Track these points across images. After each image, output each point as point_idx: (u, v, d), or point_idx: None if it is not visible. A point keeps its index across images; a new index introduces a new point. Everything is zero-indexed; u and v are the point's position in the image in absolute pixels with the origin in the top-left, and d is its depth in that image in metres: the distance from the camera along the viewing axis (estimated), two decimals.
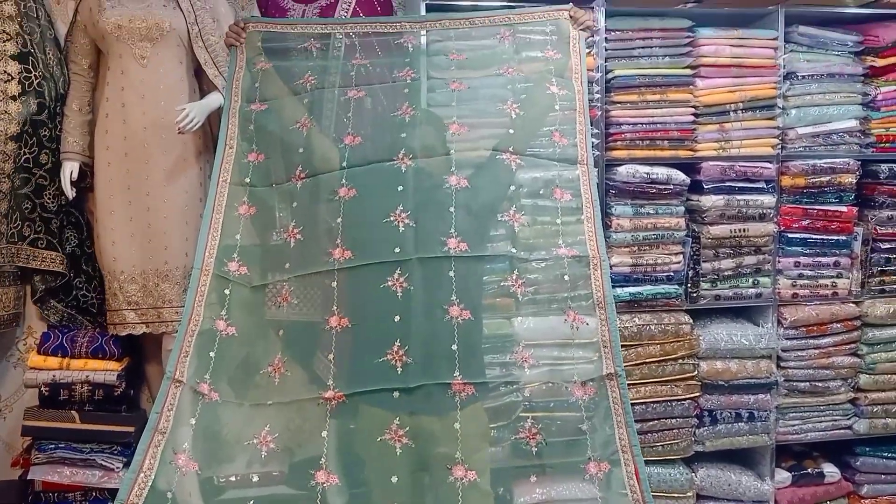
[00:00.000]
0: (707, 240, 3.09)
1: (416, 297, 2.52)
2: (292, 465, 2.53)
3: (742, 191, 3.11)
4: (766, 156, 3.16)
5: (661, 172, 3.03)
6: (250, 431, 2.49)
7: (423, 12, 3.02)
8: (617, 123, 3.07)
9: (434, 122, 2.80)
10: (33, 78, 2.96)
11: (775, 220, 3.16)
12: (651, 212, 3.04)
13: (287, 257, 2.70)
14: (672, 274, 3.07)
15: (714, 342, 3.07)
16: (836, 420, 3.23)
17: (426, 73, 2.91)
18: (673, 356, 3.02)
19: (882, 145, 3.26)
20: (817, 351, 3.17)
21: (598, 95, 3.03)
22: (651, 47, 3.09)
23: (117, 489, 2.39)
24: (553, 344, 2.66)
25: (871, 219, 3.24)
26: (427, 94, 2.89)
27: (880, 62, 3.25)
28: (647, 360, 3.00)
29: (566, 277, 2.65)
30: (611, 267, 2.85)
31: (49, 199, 2.98)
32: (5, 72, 2.93)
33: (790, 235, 3.18)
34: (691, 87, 3.12)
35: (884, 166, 3.23)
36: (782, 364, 3.16)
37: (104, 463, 2.72)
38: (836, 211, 3.19)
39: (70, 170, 2.95)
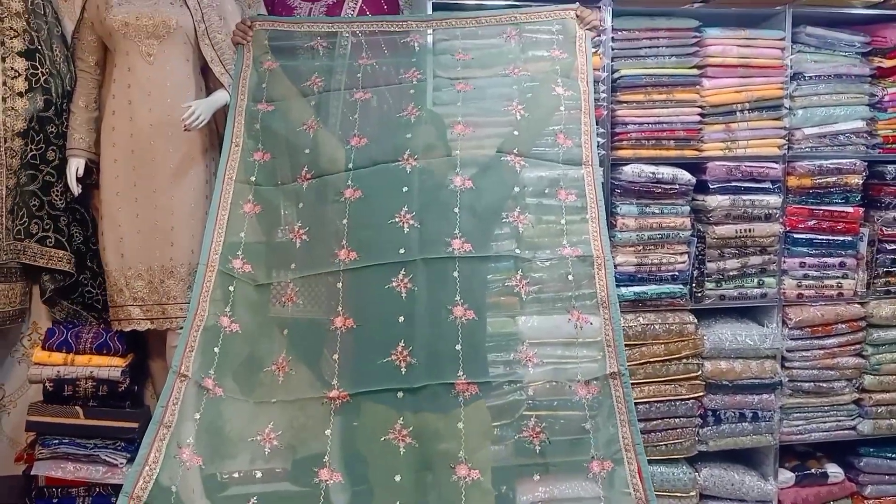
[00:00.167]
0: (712, 240, 3.09)
1: (421, 298, 2.53)
2: (295, 463, 2.54)
3: (748, 191, 3.11)
4: (772, 156, 3.15)
5: (666, 172, 3.02)
6: (254, 428, 2.50)
7: (429, 11, 3.03)
8: (623, 123, 3.07)
9: (435, 121, 2.80)
10: (40, 74, 2.97)
11: (781, 220, 3.15)
12: (656, 211, 3.04)
13: (293, 257, 2.71)
14: (677, 274, 3.07)
15: (718, 342, 3.06)
16: (840, 420, 3.22)
17: (432, 72, 2.91)
18: (677, 356, 3.02)
19: (889, 146, 3.25)
20: (822, 351, 3.17)
21: (604, 95, 3.03)
22: (658, 47, 3.08)
23: (121, 485, 2.40)
24: (557, 343, 2.66)
25: (878, 220, 3.23)
26: (433, 94, 2.89)
27: (887, 63, 3.24)
28: (652, 360, 3.00)
29: (570, 277, 2.66)
30: (616, 266, 2.85)
31: (57, 196, 2.99)
32: (12, 68, 2.94)
33: (796, 236, 3.17)
34: (698, 87, 3.12)
35: (890, 167, 3.22)
36: (787, 364, 3.16)
37: (108, 458, 2.73)
38: (843, 212, 3.18)
39: (76, 166, 2.96)
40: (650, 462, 2.50)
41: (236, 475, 2.51)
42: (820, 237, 3.18)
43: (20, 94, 2.94)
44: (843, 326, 3.17)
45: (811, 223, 3.17)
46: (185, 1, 2.96)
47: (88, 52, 3.01)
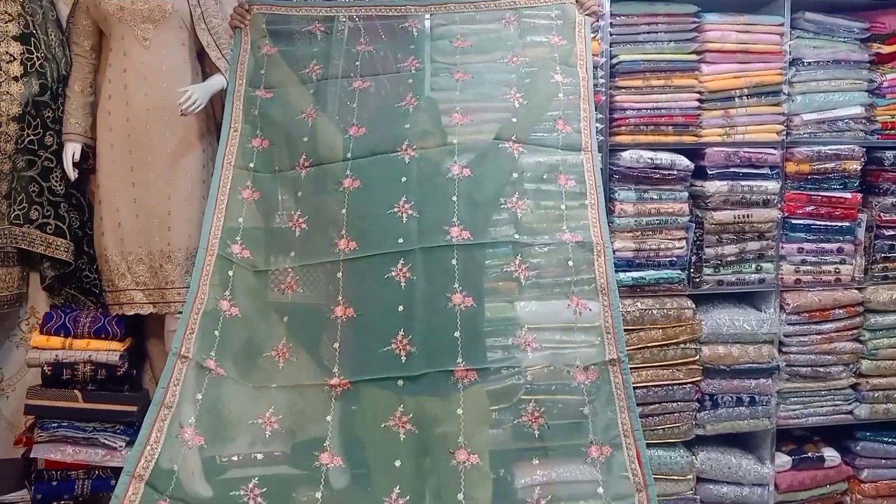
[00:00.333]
0: (710, 225, 3.09)
1: (420, 287, 2.55)
2: (295, 446, 2.55)
3: (746, 177, 3.11)
4: (770, 142, 3.15)
5: (665, 158, 3.02)
6: (255, 411, 2.51)
7: None
8: (621, 109, 3.06)
9: (431, 107, 2.80)
10: (35, 59, 2.95)
11: (779, 206, 3.15)
12: (654, 197, 3.04)
13: (292, 246, 2.72)
14: (675, 259, 3.07)
15: (716, 327, 3.07)
16: (837, 405, 3.24)
17: (430, 58, 2.90)
18: (675, 340, 3.03)
19: (887, 132, 3.25)
20: (819, 336, 3.18)
21: (602, 81, 3.02)
22: (656, 32, 3.08)
23: (120, 467, 2.40)
24: (556, 328, 2.66)
25: (875, 205, 3.24)
26: (430, 79, 2.88)
27: (886, 49, 3.24)
28: (650, 345, 3.01)
29: (570, 263, 2.66)
30: (614, 252, 2.85)
31: (56, 181, 2.98)
32: (7, 52, 2.92)
33: (794, 221, 3.18)
34: (696, 72, 3.11)
35: (889, 153, 3.22)
36: (784, 349, 3.17)
37: (107, 442, 2.73)
38: (841, 197, 3.19)
39: (72, 151, 2.94)
40: (647, 446, 2.50)
41: (235, 458, 2.52)
42: (818, 223, 3.19)
43: (15, 79, 2.93)
44: (841, 312, 3.18)
45: (809, 209, 3.18)
46: None
47: (84, 36, 2.99)
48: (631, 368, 2.61)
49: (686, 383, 3.04)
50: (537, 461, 2.51)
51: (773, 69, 3.15)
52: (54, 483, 2.73)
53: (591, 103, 2.79)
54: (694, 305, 3.08)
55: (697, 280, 3.13)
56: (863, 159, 3.20)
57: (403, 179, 2.68)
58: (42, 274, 3.03)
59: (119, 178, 2.91)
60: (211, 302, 2.58)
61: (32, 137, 2.94)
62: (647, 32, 3.08)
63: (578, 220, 2.72)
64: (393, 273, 2.57)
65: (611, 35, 3.05)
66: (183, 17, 2.93)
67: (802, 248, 3.19)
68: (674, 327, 3.03)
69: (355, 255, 2.64)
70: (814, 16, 3.17)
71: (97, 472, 2.75)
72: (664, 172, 3.02)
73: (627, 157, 3.01)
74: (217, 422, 2.47)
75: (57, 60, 3.01)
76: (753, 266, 3.17)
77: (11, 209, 2.92)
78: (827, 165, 3.17)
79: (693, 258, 3.12)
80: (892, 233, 3.25)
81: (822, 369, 3.19)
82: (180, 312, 2.79)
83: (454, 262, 2.58)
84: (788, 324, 3.16)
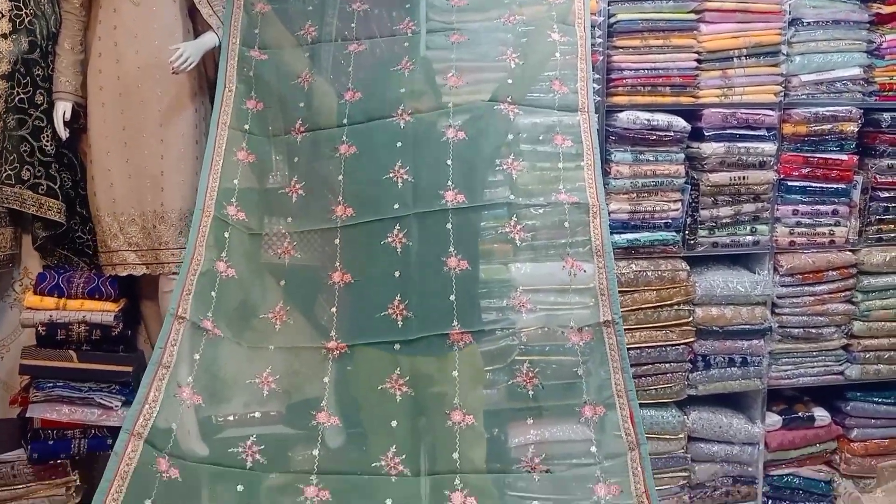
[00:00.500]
0: (706, 187, 3.08)
1: (416, 252, 2.57)
2: (290, 406, 2.58)
3: (743, 138, 3.09)
4: (768, 103, 3.13)
5: (661, 119, 3.00)
6: (251, 371, 2.54)
7: None
8: (618, 69, 3.03)
9: (425, 66, 2.78)
10: (24, 16, 2.89)
11: (775, 167, 3.14)
12: (651, 159, 3.02)
13: (288, 211, 2.73)
14: (670, 221, 3.07)
15: (710, 288, 3.08)
16: (828, 366, 3.26)
17: (426, 17, 2.86)
18: (669, 302, 3.04)
19: (885, 93, 3.23)
20: (812, 298, 3.19)
21: (599, 40, 2.98)
22: None
23: (117, 427, 2.43)
24: (550, 289, 2.68)
25: (871, 167, 3.22)
26: (426, 37, 2.85)
27: (886, 9, 3.21)
28: (643, 306, 3.02)
29: (565, 224, 2.67)
30: (609, 213, 2.84)
31: (46, 141, 2.95)
32: None
33: (790, 183, 3.17)
34: (695, 32, 3.07)
35: (886, 115, 3.20)
36: (777, 311, 3.18)
37: (103, 402, 2.74)
38: (837, 159, 3.18)
39: (63, 110, 2.90)
40: (640, 406, 2.54)
41: (231, 418, 2.54)
42: (813, 185, 3.18)
43: (4, 36, 2.87)
44: (834, 273, 3.19)
45: (805, 171, 3.17)
46: None
47: None
48: (625, 330, 2.62)
49: (679, 344, 3.06)
50: (531, 421, 2.55)
51: (773, 29, 3.11)
52: (50, 442, 2.74)
53: (588, 63, 2.77)
54: (688, 267, 3.08)
55: (692, 242, 3.13)
56: (860, 121, 3.18)
57: (399, 144, 2.68)
58: (34, 234, 3.01)
59: (111, 138, 2.88)
60: (207, 263, 2.59)
61: (22, 96, 2.90)
62: None
63: (574, 182, 2.72)
64: (389, 239, 2.59)
65: None
66: None
67: (798, 210, 3.19)
68: (668, 289, 3.03)
69: (352, 221, 2.66)
70: None
71: (93, 432, 2.76)
72: (661, 134, 3.01)
73: (624, 118, 2.99)
74: (214, 382, 2.49)
75: (46, 17, 2.95)
76: (748, 228, 3.17)
77: (2, 169, 2.89)
78: (824, 127, 3.15)
79: (688, 220, 3.11)
80: (888, 195, 3.24)
81: (814, 330, 3.21)
82: (175, 273, 2.80)
83: (449, 226, 2.59)
84: (782, 285, 3.17)
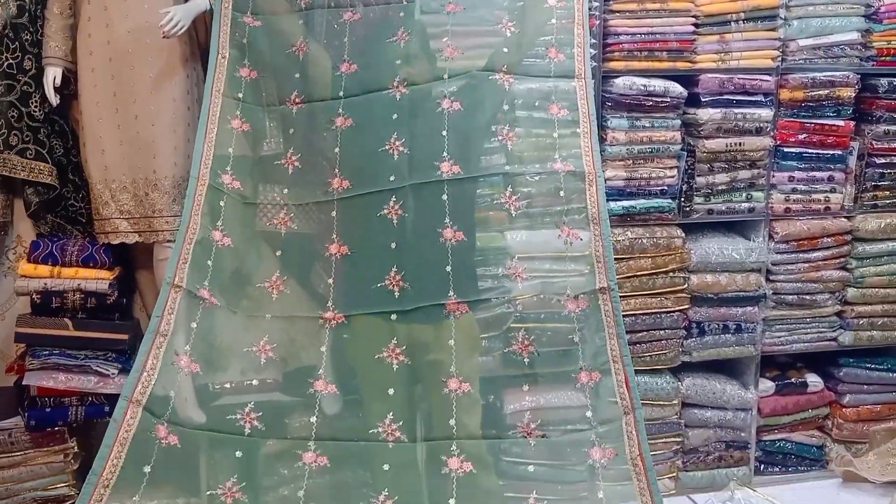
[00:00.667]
0: (702, 154, 3.07)
1: (412, 224, 2.58)
2: (287, 374, 2.60)
3: (740, 104, 3.07)
4: (765, 68, 3.10)
5: (658, 85, 2.98)
6: (248, 340, 2.55)
7: None
8: (615, 34, 3.00)
9: (420, 34, 2.75)
10: None
11: (772, 134, 3.13)
12: (647, 125, 3.01)
13: (284, 182, 2.73)
14: (666, 188, 3.06)
15: (705, 256, 3.08)
16: (821, 332, 3.28)
17: None
18: (664, 269, 3.04)
19: (883, 59, 3.21)
20: (807, 265, 3.20)
21: (596, 4, 2.95)
22: None
23: (114, 394, 2.44)
24: (546, 257, 2.68)
25: (868, 133, 3.21)
26: (421, 3, 2.82)
27: None
28: (639, 273, 3.02)
29: (561, 192, 2.67)
30: (605, 181, 2.83)
31: (35, 107, 2.91)
32: None
33: (786, 150, 3.16)
34: None
35: (883, 80, 3.18)
36: (771, 277, 3.19)
37: (99, 369, 2.74)
38: (833, 125, 3.16)
39: (53, 75, 2.87)
40: (635, 372, 2.55)
41: (228, 385, 2.56)
42: (810, 151, 3.17)
43: None
44: (829, 240, 3.20)
45: (802, 137, 3.16)
46: None
47: None
48: (620, 296, 2.63)
49: (674, 311, 3.07)
50: (527, 387, 2.57)
51: None
52: (48, 410, 2.75)
53: (585, 28, 2.75)
54: (684, 234, 3.08)
55: (688, 209, 3.12)
56: (857, 86, 3.16)
57: (395, 117, 2.68)
58: (26, 200, 2.99)
59: (102, 104, 2.84)
60: (203, 231, 2.59)
61: (11, 61, 2.86)
62: None
63: (570, 149, 2.71)
64: (385, 211, 2.61)
65: None
66: None
67: (793, 177, 3.18)
68: (663, 256, 3.04)
69: (349, 193, 2.67)
70: None
71: (90, 399, 2.76)
72: (657, 100, 2.98)
73: (620, 83, 2.96)
74: (211, 350, 2.50)
75: None
76: (744, 195, 3.16)
77: None
78: (821, 92, 3.13)
79: (684, 187, 3.10)
80: (884, 161, 3.23)
81: (808, 297, 3.22)
82: (169, 241, 2.78)
83: (445, 197, 2.61)
84: (776, 252, 3.17)
